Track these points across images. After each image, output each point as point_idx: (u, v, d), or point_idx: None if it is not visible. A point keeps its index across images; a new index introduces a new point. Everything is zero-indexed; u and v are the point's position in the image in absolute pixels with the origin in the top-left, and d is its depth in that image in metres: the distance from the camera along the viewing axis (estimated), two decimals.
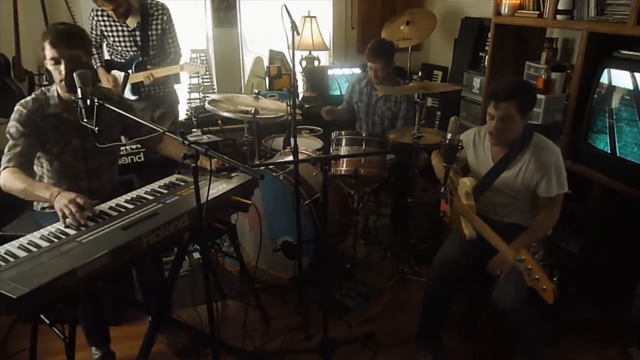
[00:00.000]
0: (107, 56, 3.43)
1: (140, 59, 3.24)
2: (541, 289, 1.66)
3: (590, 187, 2.70)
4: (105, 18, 3.17)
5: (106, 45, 3.34)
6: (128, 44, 3.22)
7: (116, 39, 3.22)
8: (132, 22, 3.17)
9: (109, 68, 3.33)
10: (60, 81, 2.04)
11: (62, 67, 2.00)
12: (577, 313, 2.62)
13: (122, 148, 3.04)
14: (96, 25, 3.23)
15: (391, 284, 2.98)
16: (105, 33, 3.22)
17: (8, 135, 2.07)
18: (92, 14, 3.23)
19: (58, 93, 2.13)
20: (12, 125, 2.07)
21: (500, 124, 2.09)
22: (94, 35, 3.29)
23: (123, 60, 3.29)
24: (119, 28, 3.18)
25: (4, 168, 2.02)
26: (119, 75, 3.28)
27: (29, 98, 2.12)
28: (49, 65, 2.04)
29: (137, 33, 3.19)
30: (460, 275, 2.27)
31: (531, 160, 2.12)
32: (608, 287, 2.66)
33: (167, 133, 1.77)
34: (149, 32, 3.20)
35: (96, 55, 3.34)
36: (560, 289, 2.39)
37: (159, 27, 3.21)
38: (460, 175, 2.23)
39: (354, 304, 2.78)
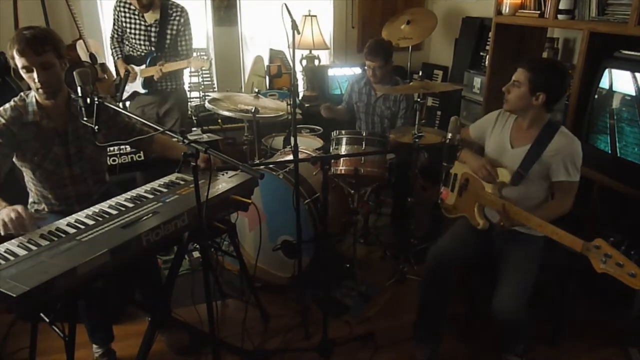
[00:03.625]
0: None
1: (155, 54, 3.28)
2: (628, 274, 1.65)
3: (590, 187, 2.70)
4: (127, 9, 3.24)
5: (124, 38, 3.38)
6: (142, 38, 3.28)
7: (133, 31, 3.27)
8: (150, 18, 3.23)
9: (127, 62, 3.38)
10: (37, 89, 2.00)
11: (35, 75, 1.95)
12: (577, 313, 2.62)
13: (122, 147, 3.03)
14: (118, 16, 3.29)
15: (391, 284, 2.98)
16: (125, 24, 3.29)
17: None
18: (115, 4, 3.29)
19: (36, 100, 2.07)
20: None
21: (510, 85, 2.15)
22: (116, 27, 3.35)
23: (136, 55, 3.35)
24: (137, 22, 3.24)
25: None
26: (137, 69, 3.33)
27: (7, 106, 2.05)
28: (22, 73, 1.98)
29: (152, 29, 3.25)
30: (455, 269, 2.26)
31: (551, 146, 2.12)
32: (608, 287, 2.66)
33: (167, 132, 1.76)
34: (166, 31, 3.25)
35: (118, 49, 3.41)
36: (560, 290, 2.42)
37: (175, 27, 3.26)
38: (494, 165, 2.22)
39: (354, 303, 2.78)
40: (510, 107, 2.20)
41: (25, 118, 2.05)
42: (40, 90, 2.00)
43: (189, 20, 3.33)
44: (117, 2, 3.29)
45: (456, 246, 2.27)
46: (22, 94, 2.10)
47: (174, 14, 3.24)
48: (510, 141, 2.23)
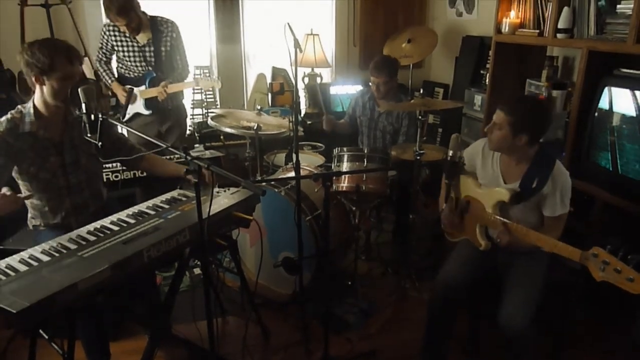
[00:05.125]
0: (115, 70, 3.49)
1: (154, 74, 3.30)
2: (627, 279, 1.66)
3: (592, 204, 2.70)
4: (117, 33, 3.25)
5: (117, 60, 3.41)
6: (137, 59, 3.29)
7: (126, 54, 3.29)
8: (142, 39, 3.25)
9: (122, 83, 3.40)
10: (61, 98, 2.02)
11: (69, 84, 1.99)
12: (580, 329, 2.60)
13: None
14: (108, 40, 3.30)
15: (392, 300, 2.97)
16: (116, 48, 3.30)
17: None
18: (104, 29, 3.31)
19: (36, 109, 2.08)
20: None
21: (491, 127, 2.15)
22: (104, 51, 3.36)
23: (133, 76, 3.36)
24: (130, 44, 3.26)
25: None
26: (136, 90, 3.34)
27: (2, 118, 2.08)
28: (57, 82, 1.99)
29: (147, 49, 3.27)
30: (463, 294, 2.26)
31: (550, 183, 2.13)
32: (611, 303, 2.64)
33: (170, 149, 1.78)
34: (160, 49, 3.28)
35: (108, 71, 3.42)
36: (562, 305, 2.40)
37: (168, 43, 3.29)
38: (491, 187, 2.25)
39: (355, 319, 2.76)
40: (494, 147, 2.22)
41: (21, 128, 2.06)
42: (60, 100, 2.04)
43: (181, 33, 3.34)
44: (105, 26, 3.28)
45: (462, 271, 2.26)
46: (19, 106, 2.12)
47: (166, 30, 3.26)
48: (502, 177, 2.25)
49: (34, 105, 2.09)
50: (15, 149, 2.06)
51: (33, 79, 2.01)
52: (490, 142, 2.20)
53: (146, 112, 3.37)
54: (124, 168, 3.03)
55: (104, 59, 3.40)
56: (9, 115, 2.08)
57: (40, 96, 2.06)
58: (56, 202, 2.21)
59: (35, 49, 1.96)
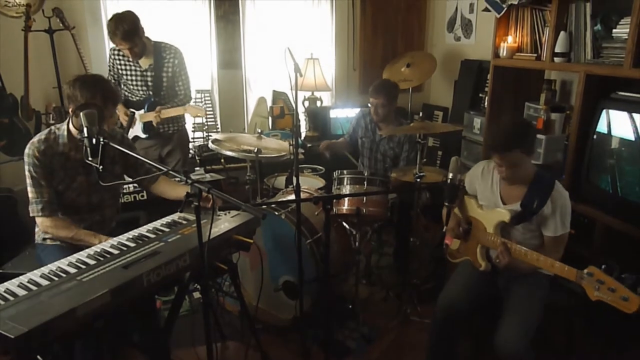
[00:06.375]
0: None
1: (153, 99, 3.34)
2: (621, 298, 1.67)
3: (593, 226, 2.69)
4: (121, 57, 3.31)
5: (122, 83, 3.46)
6: (139, 83, 3.33)
7: (129, 77, 3.34)
8: (144, 63, 3.29)
9: (126, 106, 3.43)
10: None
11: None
12: (583, 354, 2.57)
13: (125, 186, 3.05)
14: (114, 64, 3.38)
15: (394, 325, 2.94)
16: (121, 71, 3.36)
17: (28, 180, 2.15)
18: (110, 53, 3.40)
19: (69, 132, 2.19)
20: (29, 170, 2.14)
21: (510, 170, 2.13)
22: (112, 73, 3.43)
23: (135, 99, 3.40)
24: (132, 68, 3.31)
25: (42, 215, 2.15)
26: (136, 114, 3.38)
27: (35, 140, 2.17)
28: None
29: (148, 74, 3.31)
30: (465, 316, 2.24)
31: (549, 204, 2.14)
32: (615, 327, 2.61)
33: (171, 172, 1.80)
34: (161, 74, 3.31)
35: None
36: (566, 331, 2.38)
37: (170, 70, 3.32)
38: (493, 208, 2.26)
39: (356, 345, 2.73)
40: (519, 181, 2.19)
41: (55, 149, 2.18)
42: None
43: (184, 60, 3.37)
44: (111, 50, 3.37)
45: (463, 294, 2.25)
46: (52, 127, 2.24)
47: (168, 56, 3.29)
48: (502, 199, 2.26)
49: (68, 128, 2.20)
50: (49, 168, 2.16)
51: (69, 110, 2.15)
52: (516, 180, 2.18)
53: (143, 136, 3.40)
54: (123, 192, 3.04)
55: (113, 80, 3.45)
56: (42, 136, 2.19)
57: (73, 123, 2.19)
58: (77, 220, 2.27)
59: (77, 86, 2.09)
